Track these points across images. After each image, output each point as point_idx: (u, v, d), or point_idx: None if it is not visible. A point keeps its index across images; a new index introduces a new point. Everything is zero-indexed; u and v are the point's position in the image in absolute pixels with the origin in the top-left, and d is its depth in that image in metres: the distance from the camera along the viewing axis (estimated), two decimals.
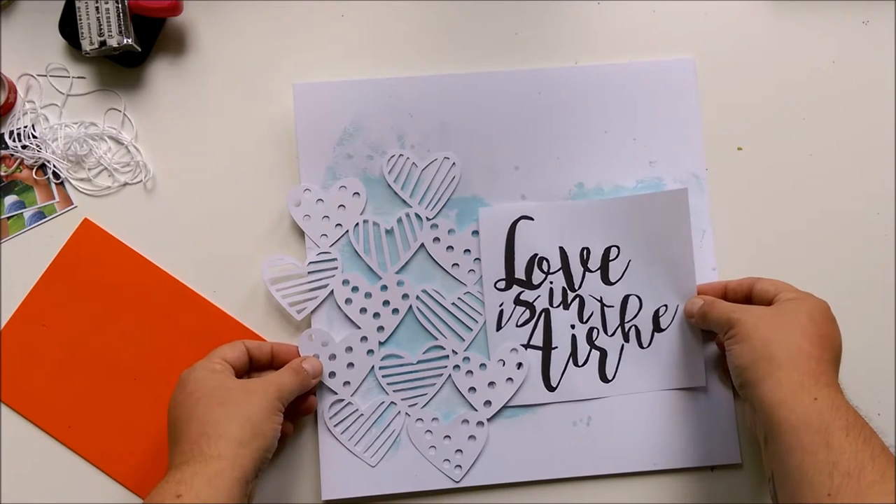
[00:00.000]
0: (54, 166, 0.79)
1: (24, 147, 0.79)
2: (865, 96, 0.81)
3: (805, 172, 0.81)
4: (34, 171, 0.80)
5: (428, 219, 0.79)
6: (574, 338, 0.78)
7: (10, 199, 0.79)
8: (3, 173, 0.80)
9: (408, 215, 0.78)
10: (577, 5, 0.82)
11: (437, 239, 0.78)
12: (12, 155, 0.79)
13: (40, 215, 0.79)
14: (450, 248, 0.78)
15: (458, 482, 0.76)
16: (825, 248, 0.80)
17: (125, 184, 0.80)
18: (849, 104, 0.81)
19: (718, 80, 0.81)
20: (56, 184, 0.80)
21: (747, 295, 0.74)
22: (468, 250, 0.78)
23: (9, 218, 0.79)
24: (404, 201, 0.79)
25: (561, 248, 0.78)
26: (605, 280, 0.78)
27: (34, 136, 0.79)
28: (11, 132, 0.79)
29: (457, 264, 0.78)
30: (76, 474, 0.77)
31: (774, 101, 0.81)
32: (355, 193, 0.79)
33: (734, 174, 0.80)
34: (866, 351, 0.78)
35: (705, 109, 0.81)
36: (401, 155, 0.79)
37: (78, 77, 0.81)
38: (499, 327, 0.78)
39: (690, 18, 0.82)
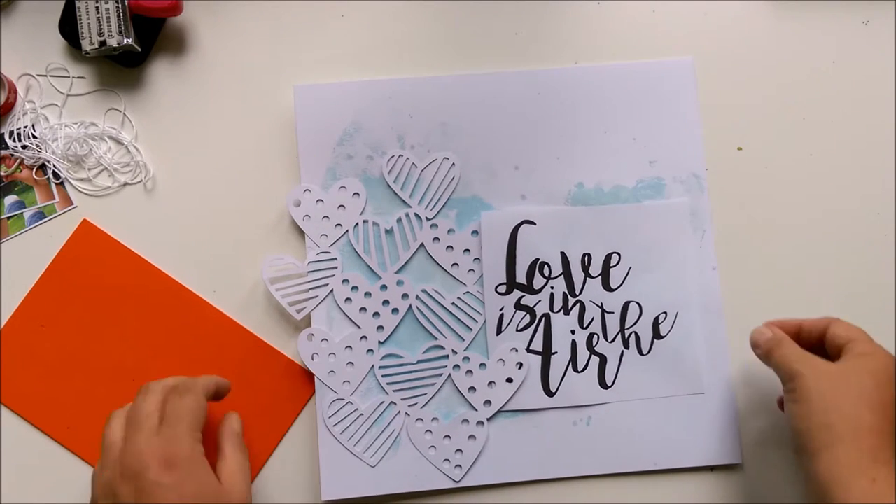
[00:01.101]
0: (54, 166, 0.79)
1: (24, 147, 0.79)
2: (865, 96, 0.81)
3: (805, 172, 0.80)
4: (34, 171, 0.80)
5: (427, 219, 0.78)
6: (574, 343, 0.78)
7: (10, 199, 0.79)
8: (3, 173, 0.80)
9: (407, 215, 0.78)
10: (577, 5, 0.82)
11: (436, 239, 0.78)
12: (12, 155, 0.79)
13: (40, 215, 0.79)
14: (449, 247, 0.78)
15: (458, 482, 0.76)
16: (825, 248, 0.80)
17: (125, 184, 0.80)
18: (849, 104, 0.81)
19: (718, 80, 0.81)
20: (56, 184, 0.80)
21: (821, 336, 0.70)
22: (468, 250, 0.78)
23: (9, 218, 0.79)
24: (404, 201, 0.79)
25: (562, 254, 0.78)
26: (606, 286, 0.78)
27: (34, 136, 0.79)
28: (11, 132, 0.79)
29: (456, 264, 0.78)
30: (75, 475, 0.77)
31: (774, 101, 0.81)
32: (355, 193, 0.79)
33: (734, 174, 0.80)
34: None
35: (705, 109, 0.80)
36: (400, 155, 0.79)
37: (78, 77, 0.81)
38: (499, 331, 0.78)
39: (690, 18, 0.82)
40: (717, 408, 0.77)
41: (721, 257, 0.79)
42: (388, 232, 0.78)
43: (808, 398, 0.64)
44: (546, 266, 0.78)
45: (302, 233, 0.78)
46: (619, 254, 0.78)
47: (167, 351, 0.78)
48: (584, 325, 0.78)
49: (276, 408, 0.78)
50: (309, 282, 0.77)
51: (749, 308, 0.78)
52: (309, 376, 0.77)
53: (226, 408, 0.76)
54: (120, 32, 0.76)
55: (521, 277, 0.78)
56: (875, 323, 0.78)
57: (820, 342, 0.70)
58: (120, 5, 0.75)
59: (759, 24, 0.82)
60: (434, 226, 0.78)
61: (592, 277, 0.78)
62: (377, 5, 0.82)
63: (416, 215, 0.78)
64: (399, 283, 0.78)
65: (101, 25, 0.76)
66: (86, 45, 0.76)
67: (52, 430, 0.78)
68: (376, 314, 0.77)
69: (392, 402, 0.77)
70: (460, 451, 0.76)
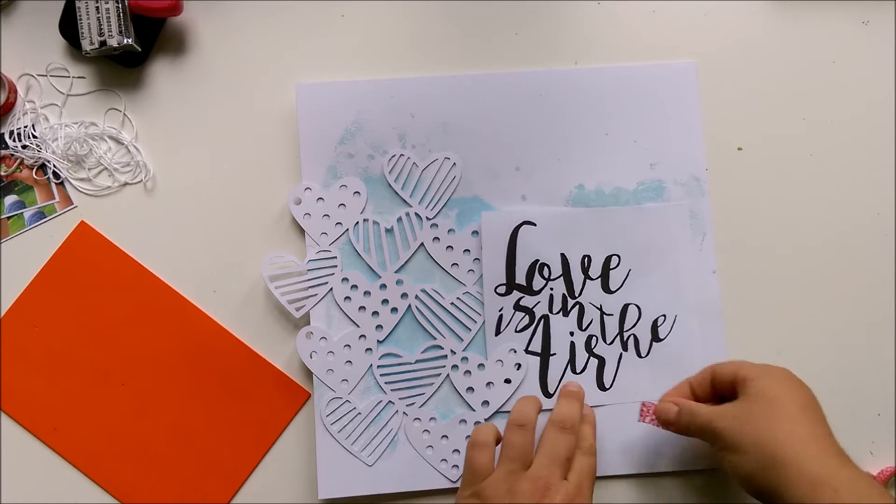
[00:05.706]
0: (54, 166, 0.79)
1: (24, 147, 0.79)
2: (865, 96, 0.81)
3: (805, 172, 0.80)
4: (34, 171, 0.80)
5: (428, 218, 0.78)
6: (573, 345, 0.78)
7: (10, 199, 0.80)
8: (3, 173, 0.80)
9: (408, 215, 0.78)
10: (577, 5, 0.82)
11: (436, 238, 0.78)
12: (12, 155, 0.80)
13: (40, 215, 0.79)
14: (449, 247, 0.78)
15: (455, 482, 0.76)
16: (825, 248, 0.80)
17: (125, 184, 0.80)
18: (849, 104, 0.81)
19: (718, 80, 0.81)
20: (56, 184, 0.80)
21: (712, 385, 0.71)
22: (468, 250, 0.78)
23: (9, 218, 0.79)
24: (405, 201, 0.79)
25: (562, 255, 0.78)
26: (606, 288, 0.78)
27: (34, 136, 0.80)
28: (11, 132, 0.80)
29: (456, 264, 0.78)
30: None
31: (774, 101, 0.81)
32: (356, 192, 0.79)
33: (734, 174, 0.80)
34: (866, 351, 0.78)
35: (705, 109, 0.80)
36: (401, 155, 0.79)
37: (78, 77, 0.81)
38: (497, 332, 0.78)
39: (690, 19, 0.82)
40: None
41: (721, 260, 0.79)
42: (389, 231, 0.78)
43: (739, 445, 0.64)
44: (546, 267, 0.78)
45: (302, 231, 0.78)
46: (618, 256, 0.78)
47: (157, 357, 0.78)
48: (583, 327, 0.78)
49: (263, 416, 0.78)
50: (308, 280, 0.77)
51: (748, 312, 0.78)
52: (297, 385, 0.78)
53: (215, 414, 0.76)
54: (120, 32, 0.76)
55: (520, 278, 0.78)
56: (875, 323, 0.78)
57: (713, 391, 0.72)
58: (120, 5, 0.76)
59: (759, 24, 0.82)
60: (434, 225, 0.78)
61: (592, 279, 0.78)
62: (377, 5, 0.82)
63: (417, 215, 0.78)
64: (398, 282, 0.78)
65: (101, 25, 0.76)
66: (86, 45, 0.77)
67: (38, 430, 0.78)
68: (375, 313, 0.78)
69: (390, 401, 0.77)
70: (458, 451, 0.76)
